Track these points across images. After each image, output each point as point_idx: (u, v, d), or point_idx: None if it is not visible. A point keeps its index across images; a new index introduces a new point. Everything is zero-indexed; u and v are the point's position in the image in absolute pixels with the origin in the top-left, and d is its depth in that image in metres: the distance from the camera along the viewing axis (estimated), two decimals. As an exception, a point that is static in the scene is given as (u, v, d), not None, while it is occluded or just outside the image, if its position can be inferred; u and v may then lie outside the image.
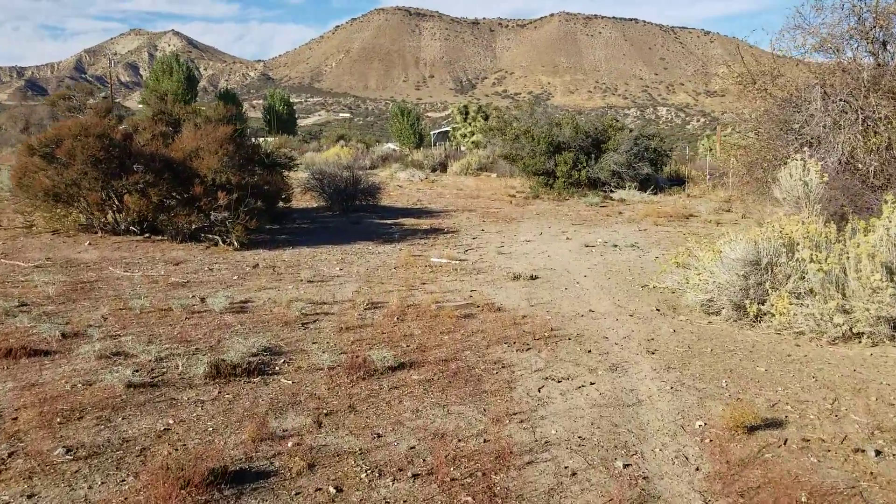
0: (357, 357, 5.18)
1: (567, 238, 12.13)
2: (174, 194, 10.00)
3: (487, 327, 6.30)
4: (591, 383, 4.95)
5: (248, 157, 12.41)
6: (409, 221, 14.17)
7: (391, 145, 58.84)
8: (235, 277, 8.24)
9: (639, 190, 22.37)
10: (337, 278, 8.45)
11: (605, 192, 23.15)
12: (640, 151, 24.42)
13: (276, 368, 5.02)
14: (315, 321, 6.33)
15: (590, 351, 5.70)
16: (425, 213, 15.69)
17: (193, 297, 7.09)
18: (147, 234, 10.55)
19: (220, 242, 10.03)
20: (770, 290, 6.44)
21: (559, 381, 4.98)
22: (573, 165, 23.55)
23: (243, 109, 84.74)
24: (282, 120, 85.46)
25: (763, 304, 6.53)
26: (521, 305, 7.21)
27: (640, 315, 6.91)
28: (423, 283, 8.25)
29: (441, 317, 6.56)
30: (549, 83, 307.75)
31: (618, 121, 27.27)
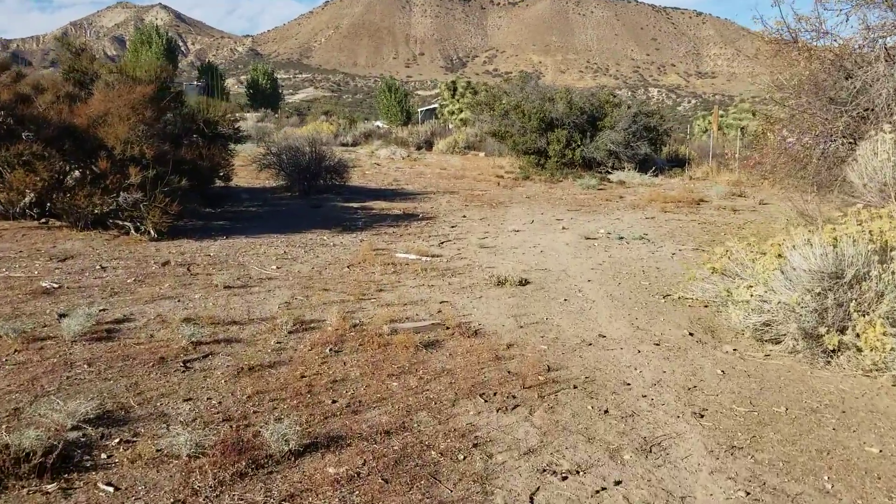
0: (241, 433, 3.26)
1: (563, 228, 10.21)
2: (76, 169, 7.95)
3: (457, 365, 4.38)
4: (617, 483, 3.06)
5: (185, 127, 10.34)
6: (379, 205, 12.19)
7: (379, 123, 56.62)
8: (131, 281, 6.25)
9: (638, 171, 20.48)
10: (267, 282, 6.48)
11: (602, 173, 21.24)
12: (639, 130, 22.50)
13: (100, 459, 3.06)
14: (206, 356, 4.37)
15: (607, 411, 3.80)
16: (400, 196, 13.70)
17: (50, 313, 5.10)
18: (45, 220, 8.51)
19: (133, 230, 8.02)
20: (855, 314, 4.56)
21: (564, 479, 3.08)
22: (567, 144, 21.58)
23: (225, 83, 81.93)
24: (265, 95, 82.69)
25: (843, 333, 4.66)
26: (507, 326, 5.29)
27: (670, 343, 5.02)
28: (380, 291, 6.30)
29: (394, 346, 4.63)
30: (540, 62, 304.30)
31: (615, 96, 25.27)
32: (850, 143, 8.75)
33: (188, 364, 4.21)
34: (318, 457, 3.14)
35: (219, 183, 10.54)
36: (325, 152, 13.35)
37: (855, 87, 8.46)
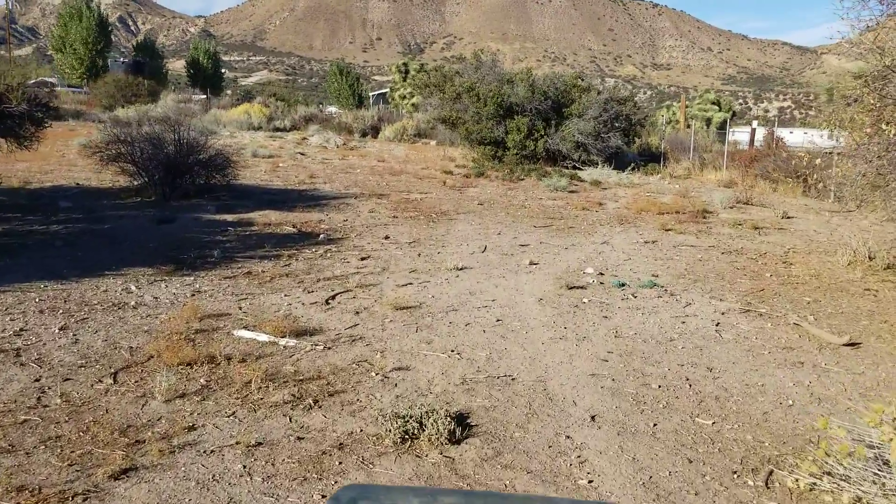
0: None
1: (531, 264, 6.72)
2: None
3: None
4: None
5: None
6: (267, 217, 8.48)
7: (333, 108, 52.50)
8: None
9: (612, 168, 17.23)
10: None
11: (569, 168, 17.90)
12: (610, 119, 19.24)
13: None
14: None
15: None
16: (307, 201, 10.01)
17: None
18: None
19: None
20: None
21: None
22: (528, 134, 18.15)
23: (164, 63, 76.17)
24: (207, 76, 77.14)
25: None
26: None
27: None
28: (118, 478, 2.68)
29: None
30: (498, 50, 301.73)
31: (583, 80, 21.95)
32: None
33: None
34: None
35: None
36: (199, 141, 9.52)
37: None
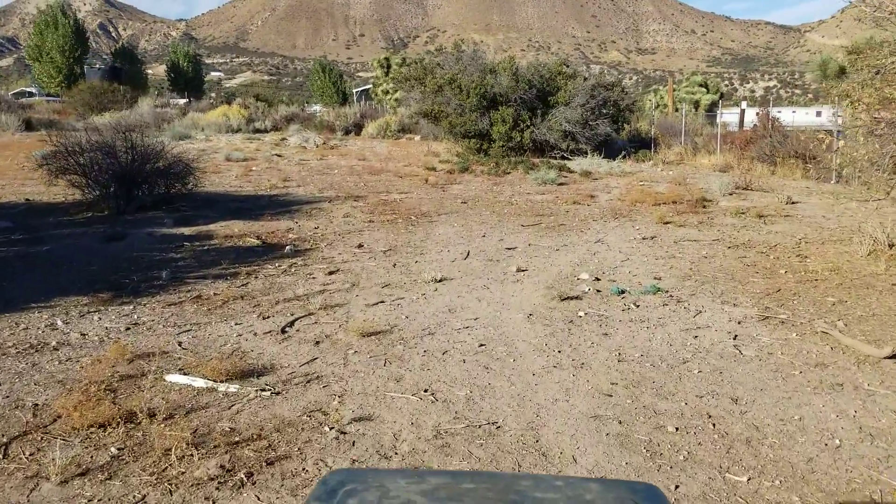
0: None
1: (518, 270, 6.02)
2: None
3: None
4: None
5: None
6: (230, 228, 7.75)
7: (318, 107, 51.65)
8: None
9: (603, 156, 16.56)
10: None
11: (557, 158, 17.23)
12: (598, 106, 18.57)
13: None
14: None
15: None
16: (277, 207, 9.28)
17: None
18: None
19: None
20: None
21: None
22: (513, 125, 17.46)
23: (144, 68, 74.79)
24: (187, 79, 75.94)
25: None
26: None
27: None
28: None
29: None
30: (481, 41, 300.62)
31: (568, 66, 21.20)
32: None
33: None
34: None
35: None
36: (155, 148, 8.75)
37: None
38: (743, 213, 8.92)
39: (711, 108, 45.29)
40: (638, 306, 4.98)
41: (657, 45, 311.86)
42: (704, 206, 9.52)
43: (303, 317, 4.77)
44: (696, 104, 45.02)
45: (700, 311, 4.86)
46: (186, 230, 7.58)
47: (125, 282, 5.54)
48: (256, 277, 5.81)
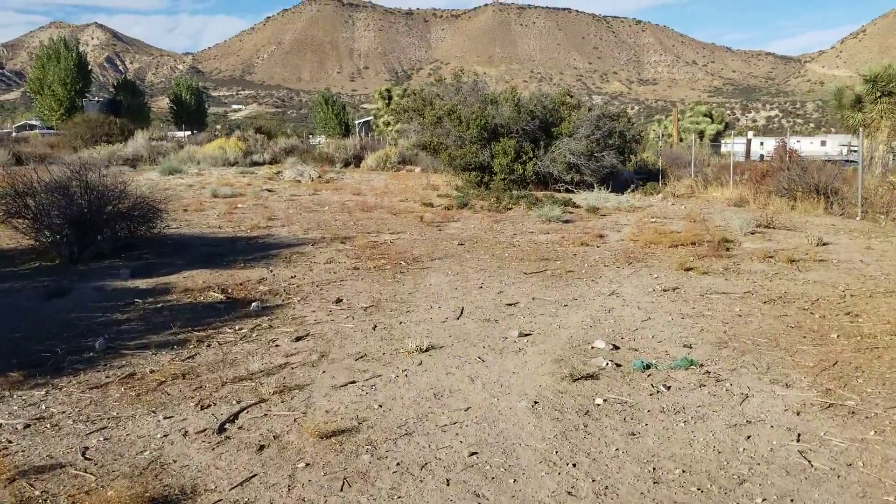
0: None
1: (520, 336, 5.07)
2: None
3: None
4: None
5: None
6: (192, 280, 6.83)
7: (322, 138, 51.35)
8: None
9: (609, 190, 15.71)
10: None
11: (561, 191, 16.39)
12: (603, 137, 17.75)
13: None
14: None
15: None
16: (253, 252, 8.37)
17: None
18: None
19: None
20: None
21: None
22: (515, 156, 16.66)
23: (146, 100, 74.91)
24: (190, 111, 76.04)
25: None
26: None
27: None
28: None
29: None
30: (484, 73, 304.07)
31: (572, 96, 20.48)
32: None
33: None
34: None
35: None
36: (116, 188, 7.89)
37: None
38: (771, 258, 7.97)
39: (716, 138, 44.69)
40: (669, 388, 4.01)
41: (658, 75, 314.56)
42: (727, 249, 8.58)
43: (252, 405, 3.82)
44: (701, 134, 44.42)
45: (747, 396, 3.89)
46: (142, 283, 6.66)
47: (47, 355, 4.60)
48: (209, 346, 4.86)
